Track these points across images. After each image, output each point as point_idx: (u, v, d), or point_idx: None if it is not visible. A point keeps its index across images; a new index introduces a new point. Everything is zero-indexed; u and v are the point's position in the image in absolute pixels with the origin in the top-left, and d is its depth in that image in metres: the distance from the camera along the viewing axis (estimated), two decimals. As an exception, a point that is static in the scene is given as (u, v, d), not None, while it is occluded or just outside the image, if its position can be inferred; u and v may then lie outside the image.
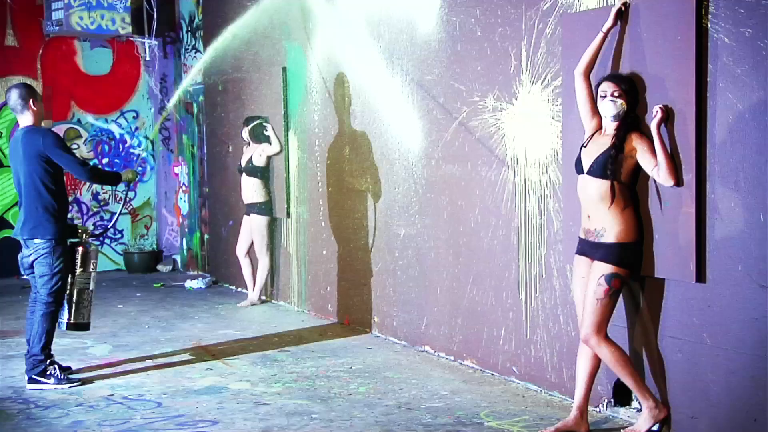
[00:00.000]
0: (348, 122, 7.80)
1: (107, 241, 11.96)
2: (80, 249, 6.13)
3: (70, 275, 6.11)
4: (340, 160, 7.95)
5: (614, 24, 4.81)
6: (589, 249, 4.70)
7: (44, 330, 5.98)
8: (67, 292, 6.11)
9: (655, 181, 4.60)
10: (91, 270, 6.17)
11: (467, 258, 6.32)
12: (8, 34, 11.26)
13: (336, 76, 7.96)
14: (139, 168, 6.68)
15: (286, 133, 8.81)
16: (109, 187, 11.86)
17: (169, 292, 10.09)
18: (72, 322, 6.18)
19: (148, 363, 6.65)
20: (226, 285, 10.41)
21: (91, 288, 6.20)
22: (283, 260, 9.05)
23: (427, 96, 6.72)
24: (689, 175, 4.46)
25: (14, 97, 6.04)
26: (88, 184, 11.61)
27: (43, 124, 6.23)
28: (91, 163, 11.72)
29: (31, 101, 6.02)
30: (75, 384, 5.99)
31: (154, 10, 11.73)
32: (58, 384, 5.94)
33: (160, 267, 11.89)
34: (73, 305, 6.14)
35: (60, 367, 6.04)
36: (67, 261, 6.05)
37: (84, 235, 6.26)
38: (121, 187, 6.52)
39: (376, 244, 7.45)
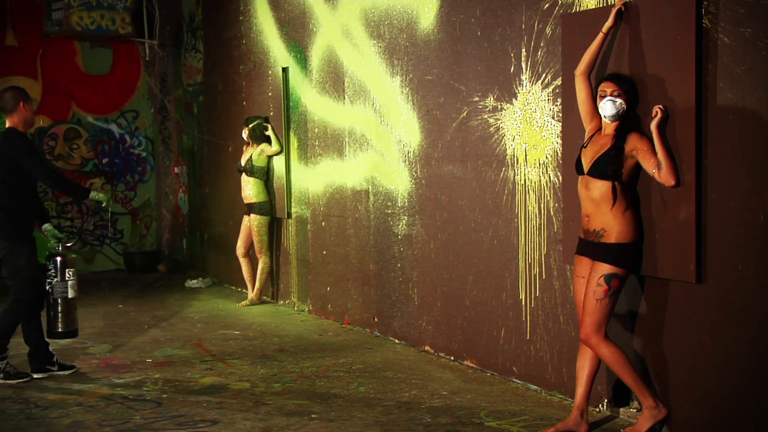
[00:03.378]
0: (348, 122, 7.80)
1: (107, 241, 11.98)
2: (58, 259, 6.32)
3: (48, 285, 6.29)
4: (339, 160, 7.95)
5: (614, 24, 4.81)
6: (589, 249, 4.69)
7: (5, 325, 6.11)
8: (50, 301, 6.32)
9: (656, 181, 4.60)
10: (68, 279, 6.34)
11: (467, 258, 6.32)
12: (8, 34, 11.26)
13: (336, 76, 7.96)
14: (108, 202, 6.79)
15: (286, 133, 8.82)
16: (108, 187, 11.91)
17: (169, 292, 10.09)
18: (60, 330, 6.40)
19: (148, 363, 6.65)
20: (226, 285, 10.41)
21: (70, 296, 6.37)
22: (283, 260, 9.06)
23: (427, 96, 6.72)
24: (689, 175, 4.46)
25: (7, 97, 6.23)
26: (87, 185, 11.71)
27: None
28: (91, 163, 11.84)
29: (21, 104, 6.21)
30: (25, 380, 6.10)
31: (156, 9, 11.74)
32: (7, 379, 6.07)
33: (160, 267, 11.90)
34: (59, 314, 6.36)
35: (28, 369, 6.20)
36: (33, 260, 6.15)
37: (60, 245, 6.42)
38: (99, 197, 6.59)
39: (376, 244, 7.45)
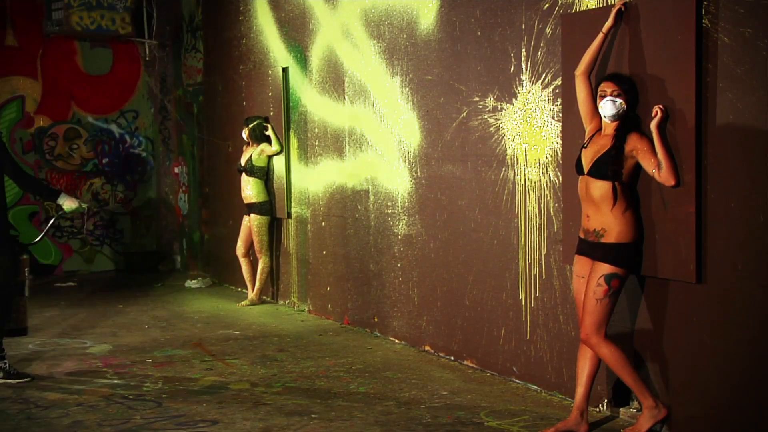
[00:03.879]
0: (348, 122, 7.80)
1: (107, 240, 11.98)
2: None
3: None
4: (339, 160, 7.95)
5: (614, 24, 4.81)
6: (589, 249, 4.70)
7: None
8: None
9: (656, 181, 4.60)
10: (26, 277, 6.33)
11: (467, 258, 6.32)
12: (8, 34, 11.26)
13: (336, 76, 7.96)
14: (86, 206, 6.68)
15: (286, 133, 8.82)
16: (108, 187, 11.92)
17: (169, 292, 10.09)
18: (10, 328, 6.32)
19: (148, 363, 6.65)
20: (226, 285, 10.41)
21: (26, 294, 6.36)
22: (283, 260, 9.06)
23: (427, 96, 6.72)
24: (689, 175, 4.46)
25: None
26: (87, 185, 11.72)
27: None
28: (91, 163, 11.85)
29: None
30: (25, 380, 6.09)
31: (155, 9, 11.74)
32: (7, 379, 6.05)
33: (160, 267, 11.90)
34: (11, 313, 6.29)
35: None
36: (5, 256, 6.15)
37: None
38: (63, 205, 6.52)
39: (376, 244, 7.45)
